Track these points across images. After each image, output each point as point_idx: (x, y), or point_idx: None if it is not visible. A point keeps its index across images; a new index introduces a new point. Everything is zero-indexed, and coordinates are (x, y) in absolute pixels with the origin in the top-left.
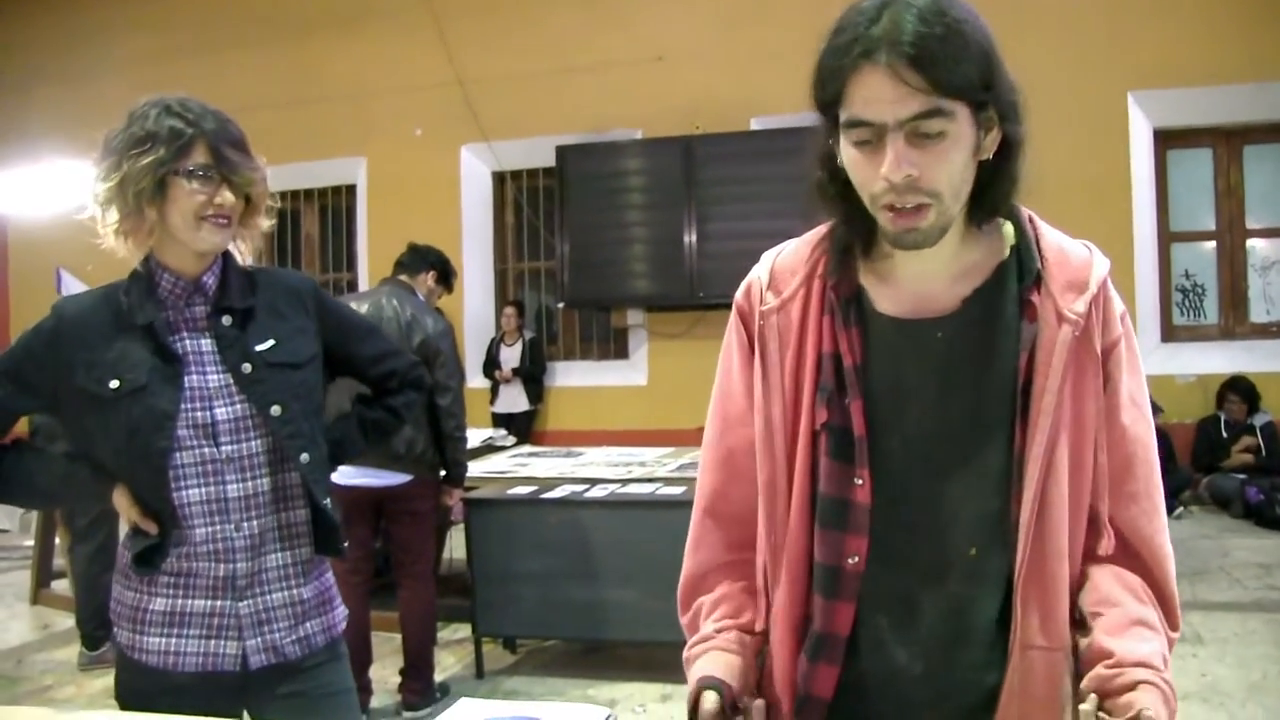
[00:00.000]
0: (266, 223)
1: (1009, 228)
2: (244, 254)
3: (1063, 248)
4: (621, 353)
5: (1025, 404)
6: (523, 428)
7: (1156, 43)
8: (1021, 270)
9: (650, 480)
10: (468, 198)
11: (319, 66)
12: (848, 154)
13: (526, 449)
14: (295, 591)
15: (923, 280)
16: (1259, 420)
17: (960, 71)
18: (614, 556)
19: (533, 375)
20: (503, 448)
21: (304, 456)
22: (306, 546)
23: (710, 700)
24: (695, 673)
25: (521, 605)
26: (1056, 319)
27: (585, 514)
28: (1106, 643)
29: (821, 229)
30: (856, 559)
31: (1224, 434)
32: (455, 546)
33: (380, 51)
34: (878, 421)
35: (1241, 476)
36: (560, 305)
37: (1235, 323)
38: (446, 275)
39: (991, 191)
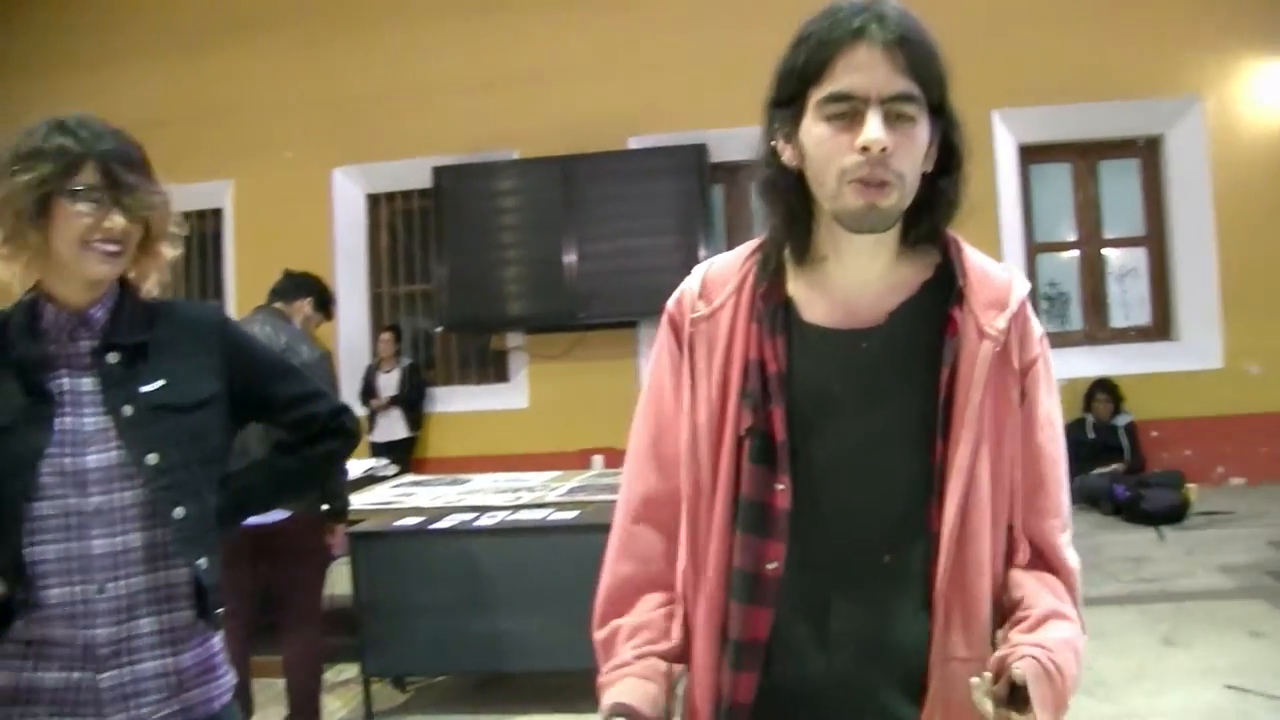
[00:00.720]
0: (171, 251)
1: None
2: (146, 285)
3: (984, 268)
4: (501, 376)
5: (947, 417)
6: (402, 456)
7: (1018, 62)
8: (945, 287)
9: (541, 506)
10: (340, 221)
11: (182, 84)
12: (817, 132)
13: (409, 478)
14: (171, 660)
15: (853, 290)
16: (1121, 420)
17: (933, 69)
18: (507, 585)
19: (411, 402)
20: (385, 478)
21: (178, 511)
22: (187, 610)
23: None
24: (609, 698)
25: (412, 641)
26: (978, 335)
27: (476, 543)
28: (1014, 637)
29: (752, 243)
30: (775, 564)
31: (1090, 434)
32: (334, 583)
33: (249, 69)
34: (800, 428)
35: (1109, 471)
36: (438, 329)
37: (1097, 328)
38: (324, 302)
39: (932, 212)
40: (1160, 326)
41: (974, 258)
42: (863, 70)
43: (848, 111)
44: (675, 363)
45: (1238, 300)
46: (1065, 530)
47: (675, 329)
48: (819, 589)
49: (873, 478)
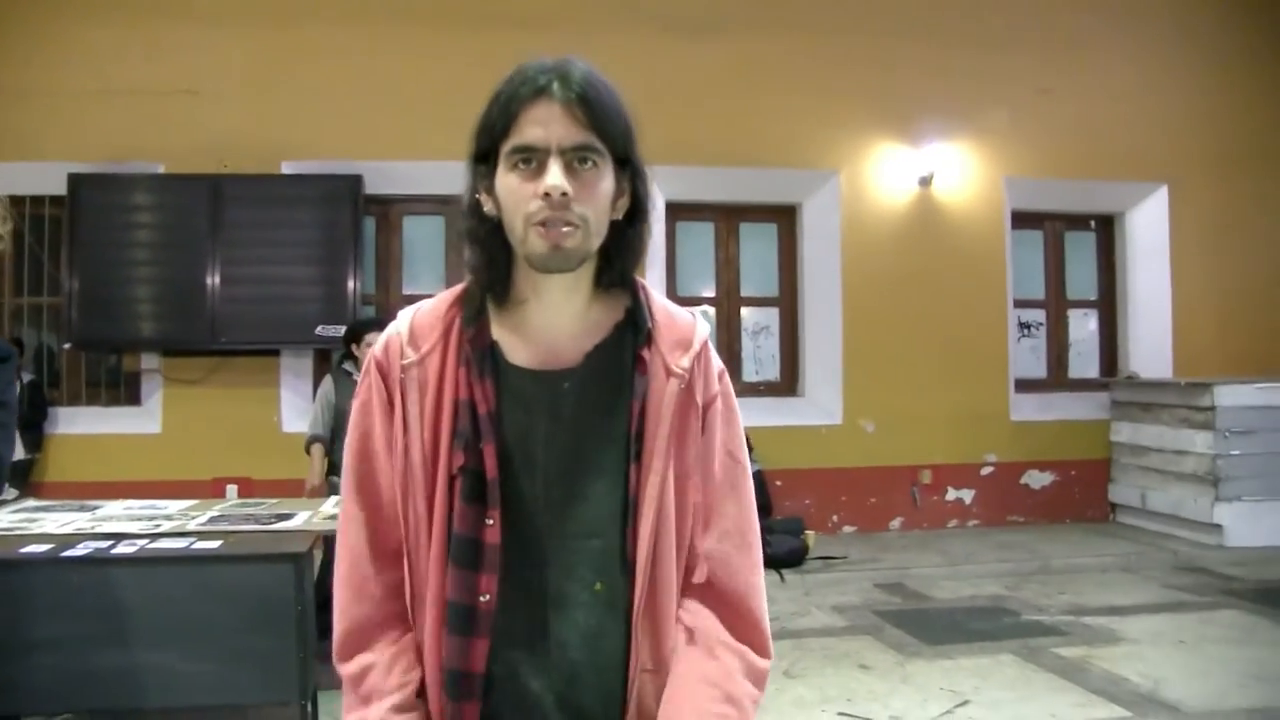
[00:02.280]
0: None
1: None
2: None
3: (670, 312)
4: (133, 399)
5: (640, 449)
6: (18, 478)
7: (673, 122)
8: (635, 330)
9: (183, 535)
10: None
11: None
12: (506, 183)
13: (31, 502)
14: None
15: (551, 333)
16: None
17: (614, 124)
18: (147, 617)
19: (31, 421)
20: (3, 502)
21: None
22: None
23: None
24: None
25: (35, 678)
26: (665, 373)
27: (114, 573)
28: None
29: (456, 289)
30: (488, 597)
31: None
32: None
33: None
34: (509, 465)
35: None
36: (66, 346)
37: (731, 381)
38: None
39: (621, 256)
40: (789, 383)
41: (659, 302)
42: (544, 124)
43: (532, 161)
44: (385, 409)
45: (857, 362)
46: (747, 552)
47: (384, 376)
48: (533, 617)
49: (579, 510)
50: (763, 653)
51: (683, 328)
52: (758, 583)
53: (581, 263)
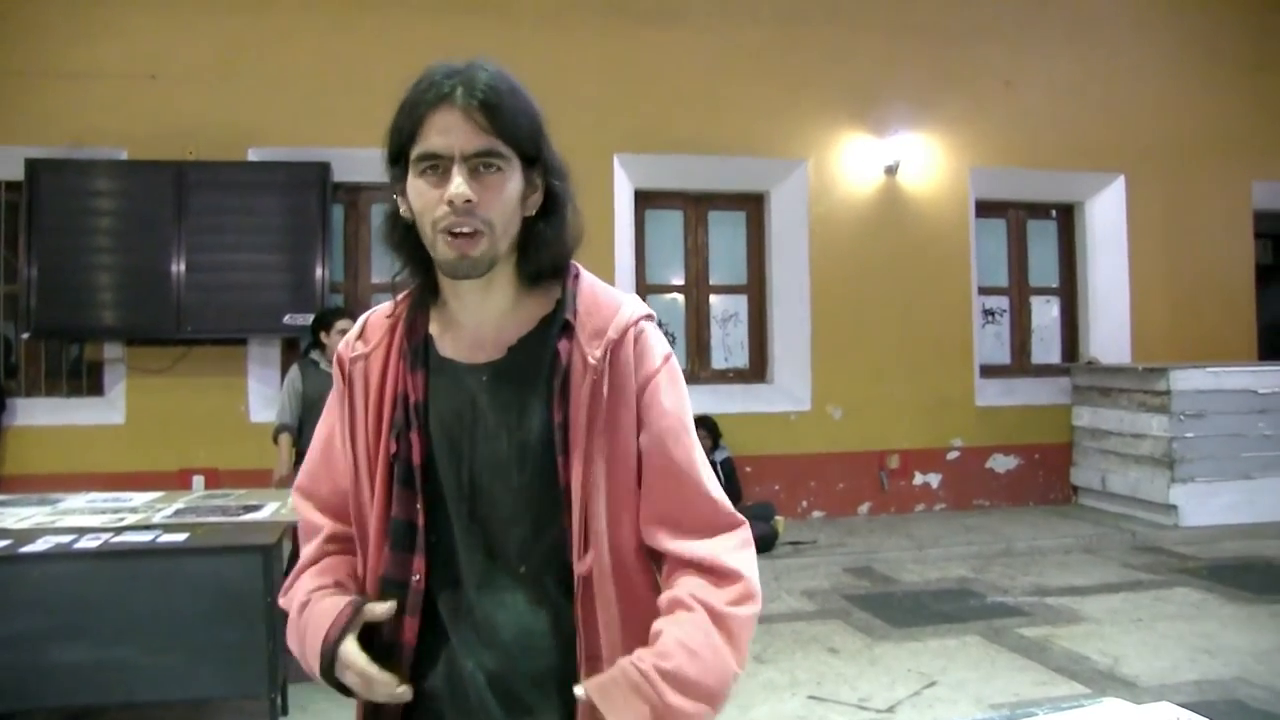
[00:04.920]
0: None
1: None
2: None
3: (596, 299)
4: (96, 389)
5: (565, 440)
6: None
7: (641, 112)
8: (560, 321)
9: (148, 527)
10: None
11: None
12: (415, 187)
13: None
14: None
15: (478, 328)
16: (719, 456)
17: (518, 125)
18: (111, 612)
19: None
20: None
21: None
22: None
23: (381, 608)
24: (322, 616)
25: None
26: (582, 364)
27: (76, 567)
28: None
29: (408, 290)
30: (419, 577)
31: None
32: None
33: None
34: (438, 452)
35: None
36: (24, 335)
37: (700, 368)
38: None
39: (538, 251)
40: (757, 370)
41: (589, 290)
42: (447, 132)
43: (438, 168)
44: (340, 400)
45: (825, 349)
46: (701, 534)
47: (340, 368)
48: (461, 598)
49: (505, 496)
50: (742, 600)
51: (605, 315)
52: (727, 552)
53: (491, 267)
